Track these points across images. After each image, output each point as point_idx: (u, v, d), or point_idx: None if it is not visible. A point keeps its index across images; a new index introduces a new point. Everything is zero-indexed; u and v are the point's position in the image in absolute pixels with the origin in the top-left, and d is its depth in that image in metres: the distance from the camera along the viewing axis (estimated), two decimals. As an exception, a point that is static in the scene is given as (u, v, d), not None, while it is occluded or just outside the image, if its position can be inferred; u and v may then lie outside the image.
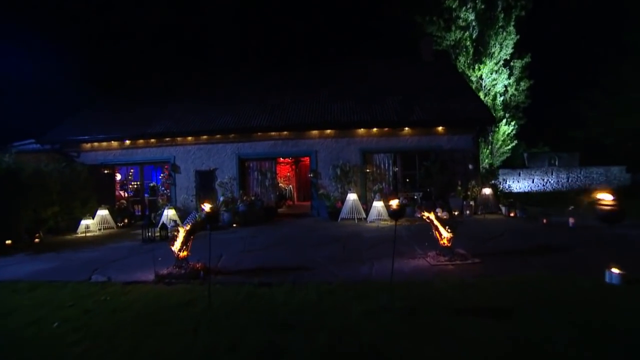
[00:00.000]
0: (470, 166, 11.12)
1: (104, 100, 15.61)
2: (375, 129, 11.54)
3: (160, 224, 8.72)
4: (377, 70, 15.26)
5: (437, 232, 5.53)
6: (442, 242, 5.52)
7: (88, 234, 9.39)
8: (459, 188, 10.83)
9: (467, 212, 10.36)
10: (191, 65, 17.56)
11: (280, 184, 16.07)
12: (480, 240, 6.72)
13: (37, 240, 8.41)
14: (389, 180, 11.70)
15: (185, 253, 5.24)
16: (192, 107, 13.33)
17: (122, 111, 13.91)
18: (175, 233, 5.24)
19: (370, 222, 9.39)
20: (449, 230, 5.41)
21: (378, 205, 9.30)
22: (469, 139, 11.46)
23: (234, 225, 9.86)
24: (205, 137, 12.11)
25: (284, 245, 7.09)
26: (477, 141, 11.77)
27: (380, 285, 4.21)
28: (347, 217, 9.89)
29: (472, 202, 10.54)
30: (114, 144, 12.61)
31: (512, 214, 9.81)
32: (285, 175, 19.41)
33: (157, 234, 8.13)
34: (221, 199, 11.55)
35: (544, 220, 8.21)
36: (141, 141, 12.46)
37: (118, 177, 13.73)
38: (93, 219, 10.00)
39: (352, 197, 9.96)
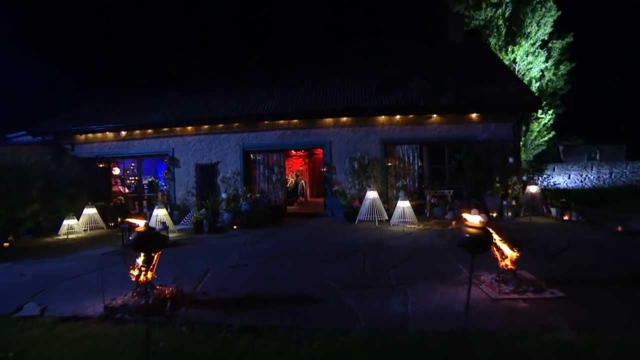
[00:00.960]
0: (511, 159, 9.34)
1: (101, 90, 14.43)
2: (398, 116, 9.89)
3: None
4: (400, 50, 13.45)
5: (495, 250, 3.92)
6: (502, 263, 3.91)
7: (71, 236, 8.17)
8: (497, 185, 9.09)
9: (508, 213, 8.63)
10: (191, 52, 15.97)
11: (290, 179, 14.61)
12: (542, 256, 5.04)
13: (6, 245, 7.22)
14: (413, 175, 10.05)
15: (149, 275, 3.78)
16: (192, 95, 11.96)
17: (119, 102, 12.68)
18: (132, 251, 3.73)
19: (394, 225, 7.82)
20: (514, 249, 3.79)
21: (403, 205, 7.71)
22: (508, 127, 9.67)
23: (235, 227, 8.45)
24: (206, 126, 10.73)
25: (288, 257, 5.60)
26: (519, 130, 9.96)
27: (427, 341, 2.67)
28: (366, 219, 8.33)
29: (513, 202, 8.80)
30: (109, 135, 11.39)
31: (565, 217, 8.02)
32: (297, 169, 17.95)
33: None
34: (223, 195, 10.19)
35: (618, 228, 6.42)
36: (137, 132, 11.19)
37: (116, 171, 12.58)
38: (79, 218, 8.79)
39: (371, 195, 8.39)
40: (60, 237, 8.11)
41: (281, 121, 10.28)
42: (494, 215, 8.74)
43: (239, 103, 10.79)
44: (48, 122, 11.84)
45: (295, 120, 10.24)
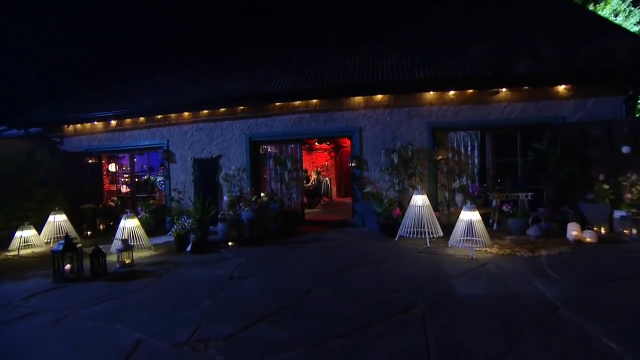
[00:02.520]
0: (625, 149, 6.37)
1: (95, 77, 12.67)
2: (452, 93, 7.19)
3: (115, 240, 5.29)
4: (452, 7, 10.52)
5: None
6: None
7: (25, 252, 6.29)
8: (605, 186, 6.19)
9: (627, 230, 5.74)
10: (188, 28, 13.77)
11: (313, 177, 12.23)
12: None
13: None
14: (472, 172, 7.31)
15: None
16: (188, 75, 9.86)
17: (112, 89, 10.82)
18: None
19: (453, 246, 5.22)
20: None
21: (470, 218, 5.07)
22: (616, 103, 6.69)
23: (230, 243, 6.19)
24: (205, 112, 8.56)
25: (284, 321, 3.17)
26: (634, 106, 6.94)
27: None
28: (410, 235, 5.78)
29: (633, 211, 5.88)
30: (99, 126, 9.55)
31: None
32: (322, 165, 15.55)
33: (90, 263, 4.67)
34: (225, 199, 8.00)
35: None
36: (129, 121, 9.25)
37: (113, 168, 10.79)
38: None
39: (419, 200, 5.81)
40: (9, 254, 6.24)
41: (297, 102, 7.89)
42: (603, 231, 5.89)
43: (245, 82, 8.50)
44: (31, 113, 10.21)
45: (315, 101, 7.81)
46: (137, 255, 5.62)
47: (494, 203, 6.76)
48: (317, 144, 13.94)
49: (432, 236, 5.64)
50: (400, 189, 7.14)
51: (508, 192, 6.69)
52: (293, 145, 8.22)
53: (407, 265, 4.62)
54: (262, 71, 8.75)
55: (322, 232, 7.13)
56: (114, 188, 10.55)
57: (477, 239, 4.96)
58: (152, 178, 10.19)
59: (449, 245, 5.36)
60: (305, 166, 15.68)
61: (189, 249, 5.68)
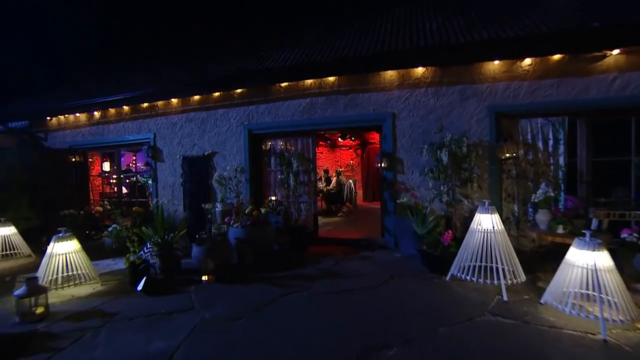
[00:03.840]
0: None
1: (88, 68, 11.30)
2: (527, 61, 4.87)
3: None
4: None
5: None
6: None
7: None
8: None
9: None
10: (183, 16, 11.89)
11: (333, 178, 10.21)
12: None
13: None
14: (555, 176, 4.99)
15: None
16: (176, 53, 8.14)
17: (98, 78, 9.35)
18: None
19: (552, 305, 3.05)
20: None
21: (591, 261, 2.87)
22: None
23: (206, 278, 4.30)
24: (196, 97, 6.79)
25: None
26: None
27: None
28: (469, 274, 3.65)
29: None
30: (82, 118, 8.08)
31: None
32: (347, 163, 13.49)
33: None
34: (218, 207, 6.20)
35: None
36: (112, 112, 7.69)
37: (107, 167, 9.38)
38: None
39: (488, 222, 3.61)
40: None
41: (308, 81, 5.91)
42: None
43: (242, 58, 6.62)
44: (10, 105, 8.96)
45: (332, 79, 5.78)
46: (72, 292, 3.91)
47: (595, 224, 4.41)
48: (340, 139, 11.88)
49: (509, 281, 3.47)
50: (450, 199, 4.96)
51: (624, 208, 4.32)
52: (303, 139, 6.24)
53: (479, 350, 2.52)
54: (263, 44, 6.83)
55: (338, 258, 5.10)
56: (107, 190, 9.12)
57: (606, 297, 2.74)
58: (142, 179, 8.62)
59: (543, 302, 3.18)
60: (326, 165, 13.68)
61: (139, 286, 3.86)
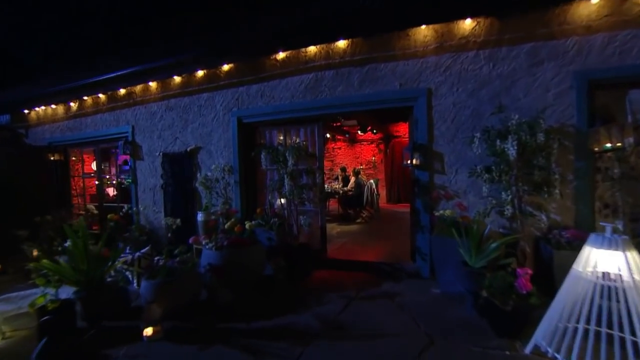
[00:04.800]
0: None
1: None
2: (645, -1, 3.18)
3: None
4: None
5: None
6: None
7: None
8: None
9: None
10: None
11: (351, 178, 8.66)
12: None
13: None
14: (681, 176, 3.24)
15: None
16: (153, 29, 6.79)
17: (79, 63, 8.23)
18: None
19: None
20: None
21: None
22: None
23: (148, 332, 2.92)
24: (177, 80, 5.46)
25: None
26: None
27: None
28: (566, 344, 2.08)
29: None
30: (59, 111, 6.99)
31: None
32: (368, 160, 11.90)
33: None
34: (199, 217, 4.86)
35: None
36: (89, 102, 6.52)
37: (94, 165, 8.30)
38: None
39: (610, 262, 2.04)
40: None
41: (311, 49, 4.41)
42: None
43: (226, 29, 5.18)
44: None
45: (342, 44, 4.24)
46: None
47: None
48: (359, 132, 10.27)
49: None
50: (515, 212, 3.31)
51: None
52: (307, 129, 4.74)
53: None
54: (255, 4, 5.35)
55: (351, 295, 3.59)
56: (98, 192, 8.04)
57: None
58: (126, 181, 7.44)
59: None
60: (345, 162, 12.13)
61: (38, 349, 2.53)
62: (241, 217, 4.95)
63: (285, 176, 4.08)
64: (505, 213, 3.25)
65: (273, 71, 4.70)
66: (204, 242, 3.72)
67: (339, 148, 12.37)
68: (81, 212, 7.36)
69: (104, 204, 6.93)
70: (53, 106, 6.94)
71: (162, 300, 2.99)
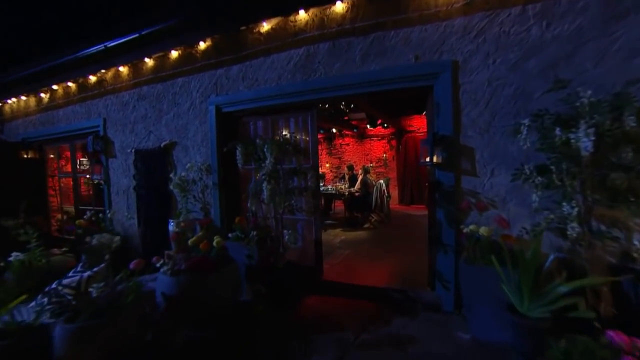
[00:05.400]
0: None
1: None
2: None
3: None
4: None
5: None
6: None
7: None
8: None
9: None
10: None
11: (359, 177, 7.70)
12: None
13: None
14: None
15: None
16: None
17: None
18: None
19: None
20: None
21: None
22: None
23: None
24: (150, 63, 4.61)
25: None
26: None
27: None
28: None
29: None
30: (31, 103, 6.26)
31: None
32: (378, 157, 10.91)
33: None
34: (170, 226, 4.01)
35: None
36: (60, 92, 5.76)
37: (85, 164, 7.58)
38: None
39: None
40: None
41: (301, 16, 3.48)
42: None
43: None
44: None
45: (341, 7, 3.30)
46: None
47: None
48: (369, 126, 9.26)
49: None
50: (585, 230, 2.31)
51: None
52: (298, 118, 3.82)
53: None
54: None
55: (348, 335, 2.67)
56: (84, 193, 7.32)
57: None
58: (91, 181, 6.64)
59: None
60: (353, 159, 11.16)
61: None
62: (221, 227, 4.08)
63: (264, 178, 3.16)
64: (569, 233, 2.25)
65: (256, 47, 3.78)
66: (158, 265, 2.85)
67: (347, 144, 11.40)
68: (62, 215, 6.66)
69: (80, 207, 6.18)
70: (24, 98, 6.21)
71: (82, 355, 2.13)
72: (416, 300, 3.13)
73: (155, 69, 4.59)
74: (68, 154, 6.44)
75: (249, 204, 3.44)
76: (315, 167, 3.65)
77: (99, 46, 4.16)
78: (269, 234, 3.50)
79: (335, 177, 11.27)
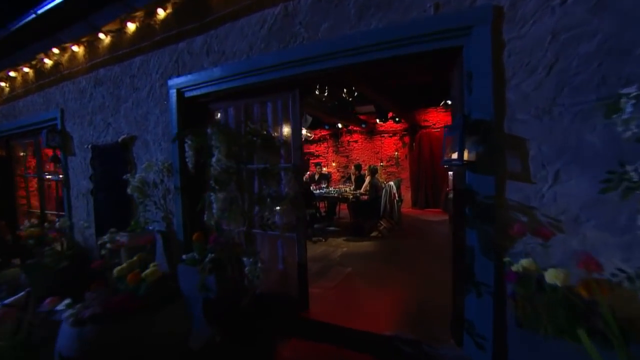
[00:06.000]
0: None
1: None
2: None
3: None
4: None
5: None
6: None
7: None
8: None
9: None
10: None
11: (367, 178, 6.75)
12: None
13: None
14: None
15: None
16: None
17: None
18: None
19: None
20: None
21: None
22: None
23: None
24: (105, 39, 3.77)
25: None
26: None
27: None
28: None
29: None
30: (-5, 93, 5.58)
31: None
32: (390, 155, 9.93)
33: None
34: (121, 240, 3.15)
35: None
36: (18, 79, 5.03)
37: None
38: None
39: None
40: None
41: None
42: None
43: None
44: None
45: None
46: None
47: None
48: (378, 120, 8.25)
49: None
50: None
51: None
52: (277, 101, 2.90)
53: None
54: None
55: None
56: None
57: None
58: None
59: None
60: (362, 158, 10.19)
61: None
62: (184, 243, 3.21)
63: (212, 183, 2.26)
64: None
65: (222, 11, 2.87)
66: (58, 308, 1.99)
67: (356, 141, 10.42)
68: (30, 219, 5.94)
69: (46, 211, 5.44)
70: (-14, 88, 5.52)
71: None
72: (434, 359, 2.16)
73: (111, 47, 3.75)
74: (48, 151, 5.71)
75: (205, 217, 2.54)
76: (298, 167, 2.72)
77: (30, 14, 3.33)
78: (233, 257, 2.59)
79: (342, 177, 10.33)
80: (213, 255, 2.47)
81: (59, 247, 4.11)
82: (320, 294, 3.30)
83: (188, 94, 3.21)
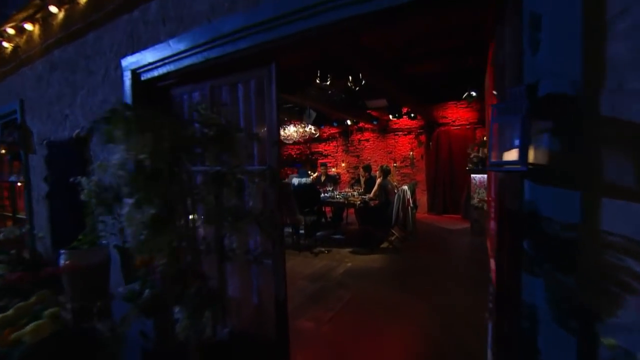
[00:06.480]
0: None
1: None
2: None
3: None
4: None
5: None
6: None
7: None
8: None
9: None
10: None
11: (378, 180, 5.98)
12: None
13: None
14: None
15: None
16: None
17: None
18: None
19: None
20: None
21: None
22: None
23: None
24: (58, 14, 3.17)
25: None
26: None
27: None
28: None
29: None
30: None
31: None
32: (404, 156, 9.12)
33: None
34: (62, 258, 2.49)
35: None
36: (-16, 68, 4.51)
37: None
38: None
39: None
40: None
41: None
42: None
43: None
44: None
45: None
46: None
47: None
48: (391, 116, 7.43)
49: None
50: None
51: None
52: (249, 82, 2.19)
53: None
54: None
55: None
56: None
57: None
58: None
59: None
60: (374, 157, 9.40)
61: None
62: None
63: (122, 190, 1.58)
64: None
65: (179, -40, 2.18)
66: None
67: (367, 140, 9.62)
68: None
69: (17, 215, 4.91)
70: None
71: None
72: None
73: (65, 23, 3.12)
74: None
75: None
76: (273, 169, 1.99)
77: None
78: (187, 294, 1.88)
79: (352, 179, 9.56)
80: (153, 290, 1.78)
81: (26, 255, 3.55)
82: (309, 331, 2.58)
83: (145, 76, 2.53)
